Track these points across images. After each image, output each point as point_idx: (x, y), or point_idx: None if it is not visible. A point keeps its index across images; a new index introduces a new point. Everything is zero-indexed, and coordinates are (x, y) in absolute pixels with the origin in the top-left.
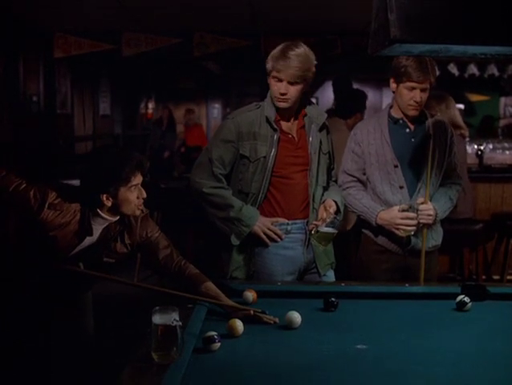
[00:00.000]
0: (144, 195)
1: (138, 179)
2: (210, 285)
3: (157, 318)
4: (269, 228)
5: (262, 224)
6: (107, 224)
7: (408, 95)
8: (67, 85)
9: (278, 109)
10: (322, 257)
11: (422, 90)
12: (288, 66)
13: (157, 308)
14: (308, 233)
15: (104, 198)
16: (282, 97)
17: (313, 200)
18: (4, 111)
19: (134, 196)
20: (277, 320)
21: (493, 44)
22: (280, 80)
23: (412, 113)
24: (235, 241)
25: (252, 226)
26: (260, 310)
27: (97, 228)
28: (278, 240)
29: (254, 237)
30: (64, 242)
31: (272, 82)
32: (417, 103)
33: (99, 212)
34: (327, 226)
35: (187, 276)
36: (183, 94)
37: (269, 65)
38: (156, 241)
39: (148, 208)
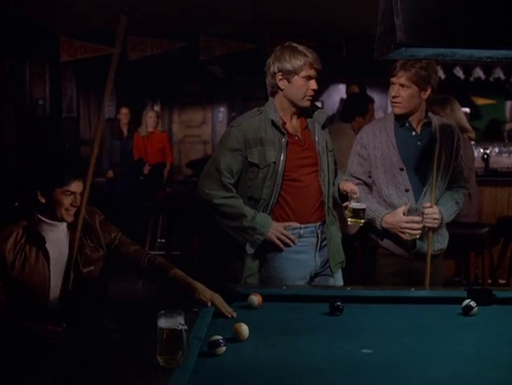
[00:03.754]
0: (78, 203)
1: (76, 187)
2: (178, 272)
3: (163, 322)
4: (282, 233)
5: (275, 229)
6: (61, 231)
7: (391, 90)
8: (72, 89)
9: (298, 111)
10: (335, 256)
11: (401, 85)
12: (317, 60)
13: (163, 312)
14: (344, 212)
15: (39, 194)
16: (312, 93)
17: (327, 200)
18: (10, 115)
19: (68, 201)
20: (234, 314)
21: (500, 48)
22: (311, 77)
23: (395, 111)
24: (250, 249)
25: (266, 233)
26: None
27: (54, 238)
28: (292, 244)
29: (267, 243)
30: (36, 278)
31: (301, 81)
32: (394, 98)
33: (40, 216)
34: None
35: (157, 265)
36: (188, 98)
37: (298, 64)
38: (121, 240)
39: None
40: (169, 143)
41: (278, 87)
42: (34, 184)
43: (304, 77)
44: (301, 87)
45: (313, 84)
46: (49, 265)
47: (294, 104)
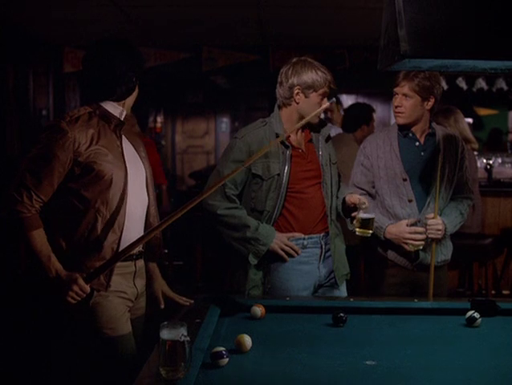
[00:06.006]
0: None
1: None
2: (152, 265)
3: (165, 333)
4: (286, 244)
5: (279, 240)
6: (120, 113)
7: (394, 100)
8: (76, 99)
9: (310, 125)
10: (340, 269)
11: (404, 95)
12: (333, 79)
13: (165, 323)
14: (352, 225)
15: (135, 79)
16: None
17: (330, 212)
18: (14, 126)
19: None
20: (191, 301)
21: (503, 59)
22: (325, 95)
23: (398, 121)
24: (253, 260)
25: (269, 244)
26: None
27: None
28: (296, 255)
29: (271, 254)
30: (111, 148)
31: (317, 99)
32: (396, 108)
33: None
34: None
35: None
36: (191, 108)
37: (319, 81)
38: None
39: None
40: (156, 154)
41: (294, 100)
42: (132, 70)
43: (321, 94)
44: (316, 103)
45: (325, 102)
46: (121, 143)
47: (303, 119)
